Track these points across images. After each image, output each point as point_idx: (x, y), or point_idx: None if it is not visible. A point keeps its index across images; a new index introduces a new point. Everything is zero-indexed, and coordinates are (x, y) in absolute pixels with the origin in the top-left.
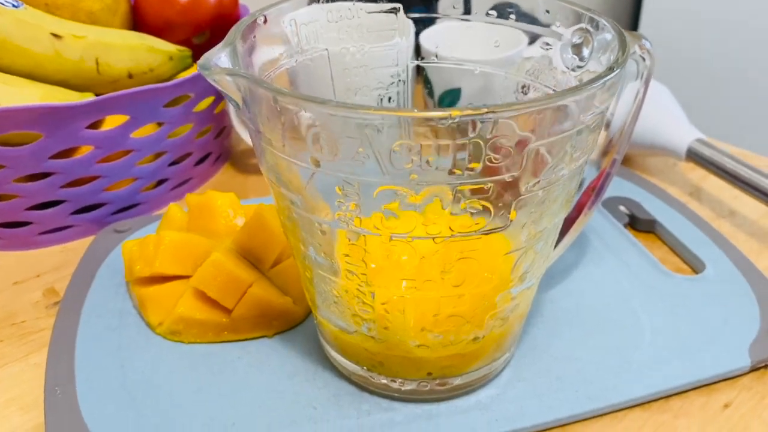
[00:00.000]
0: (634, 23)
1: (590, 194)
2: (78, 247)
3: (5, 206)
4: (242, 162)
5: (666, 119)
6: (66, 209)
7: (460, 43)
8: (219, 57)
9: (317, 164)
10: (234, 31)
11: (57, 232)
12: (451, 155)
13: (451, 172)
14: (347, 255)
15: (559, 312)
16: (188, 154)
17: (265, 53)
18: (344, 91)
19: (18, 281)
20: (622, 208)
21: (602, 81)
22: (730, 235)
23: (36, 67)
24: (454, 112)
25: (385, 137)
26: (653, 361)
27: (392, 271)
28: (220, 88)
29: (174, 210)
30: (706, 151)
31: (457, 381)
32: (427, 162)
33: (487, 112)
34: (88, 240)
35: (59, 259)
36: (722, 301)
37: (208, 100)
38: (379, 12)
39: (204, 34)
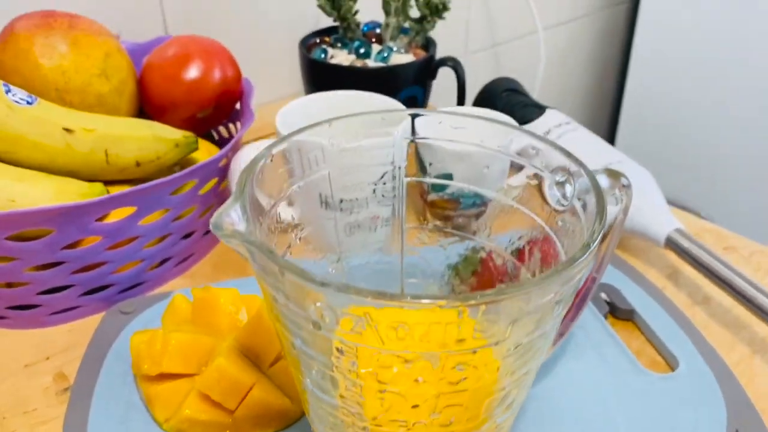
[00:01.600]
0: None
1: (571, 308)
2: (85, 326)
3: (17, 292)
4: None
5: (648, 207)
6: (74, 292)
7: (452, 133)
8: (229, 214)
9: (318, 328)
10: (243, 181)
11: (65, 313)
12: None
13: (442, 345)
14: (343, 397)
15: (542, 410)
16: (192, 233)
17: (272, 186)
18: (341, 189)
19: (29, 364)
20: (603, 295)
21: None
22: (704, 324)
23: (48, 160)
24: (440, 302)
25: (384, 316)
26: None
27: (386, 414)
28: (231, 246)
29: (179, 301)
30: (683, 243)
31: None
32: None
33: (475, 304)
34: (95, 318)
35: (68, 339)
36: (692, 403)
37: (212, 182)
38: (377, 134)
39: (207, 109)
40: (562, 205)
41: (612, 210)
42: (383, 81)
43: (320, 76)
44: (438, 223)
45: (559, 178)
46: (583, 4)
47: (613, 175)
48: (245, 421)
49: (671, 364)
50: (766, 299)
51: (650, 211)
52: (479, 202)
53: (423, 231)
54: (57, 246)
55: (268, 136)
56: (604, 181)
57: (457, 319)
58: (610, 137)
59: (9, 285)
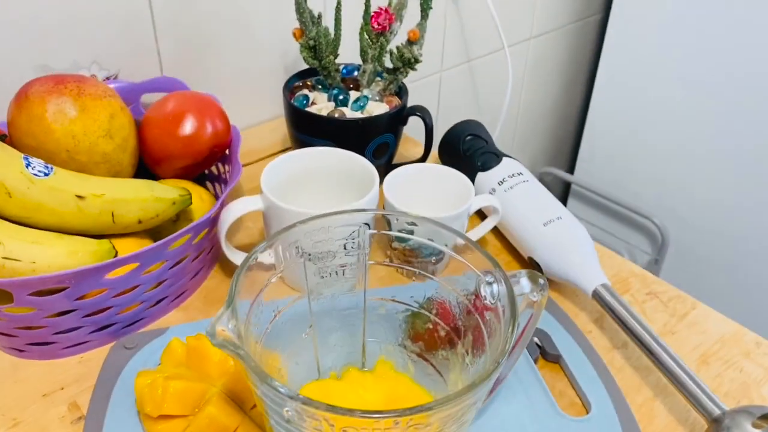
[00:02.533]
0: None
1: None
2: (94, 357)
3: (35, 333)
4: (229, 267)
5: (580, 262)
6: (84, 331)
7: (414, 191)
8: (222, 319)
9: (288, 422)
10: (233, 290)
11: (76, 347)
12: None
13: None
14: None
15: None
16: (185, 275)
17: (256, 280)
18: (312, 245)
19: (46, 393)
20: (536, 340)
21: (491, 381)
22: (620, 366)
23: (62, 222)
24: (382, 418)
25: (339, 420)
26: None
27: None
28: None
29: (175, 345)
30: (606, 297)
31: None
32: None
33: (409, 416)
34: (102, 350)
35: (79, 370)
36: None
37: (203, 233)
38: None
39: (200, 159)
40: (491, 302)
41: (527, 312)
42: (359, 130)
43: (301, 121)
44: (401, 265)
45: (489, 279)
46: (554, 18)
47: (532, 276)
48: None
49: (586, 406)
50: (664, 354)
51: (582, 266)
52: (436, 252)
53: (387, 272)
54: (71, 298)
55: (256, 162)
56: (524, 281)
57: (395, 425)
58: (576, 145)
59: (29, 328)
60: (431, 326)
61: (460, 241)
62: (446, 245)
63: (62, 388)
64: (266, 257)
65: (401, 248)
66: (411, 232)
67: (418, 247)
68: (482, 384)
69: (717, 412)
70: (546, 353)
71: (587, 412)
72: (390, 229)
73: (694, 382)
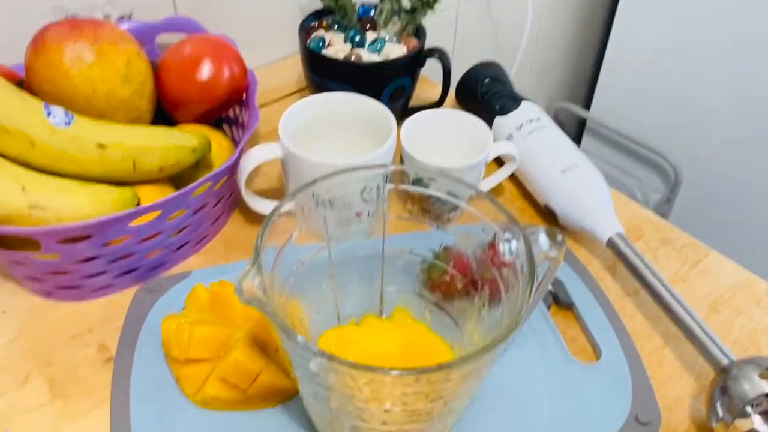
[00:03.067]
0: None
1: None
2: (119, 300)
3: (63, 278)
4: (248, 211)
5: (596, 209)
6: (109, 275)
7: (432, 138)
8: (248, 275)
9: (313, 375)
10: (258, 246)
11: (102, 290)
12: None
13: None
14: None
15: (487, 394)
16: (206, 221)
17: (279, 234)
18: (330, 195)
19: (75, 335)
20: (549, 287)
21: (508, 340)
22: (632, 314)
23: (85, 170)
24: (403, 376)
25: (361, 375)
26: None
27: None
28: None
29: (199, 290)
30: (620, 246)
31: None
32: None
33: (430, 372)
34: (127, 292)
35: (105, 312)
36: (607, 391)
37: (223, 180)
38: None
39: (217, 104)
40: (509, 259)
41: (545, 265)
42: (376, 74)
43: (317, 65)
44: (417, 214)
45: (507, 236)
46: None
47: (551, 233)
48: (256, 397)
49: (597, 353)
50: (675, 302)
51: (597, 215)
52: (452, 203)
53: (402, 220)
54: (96, 246)
55: (269, 103)
56: (542, 237)
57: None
58: (593, 81)
59: (56, 273)
60: (448, 278)
61: (479, 196)
62: (464, 199)
63: (90, 330)
64: (287, 210)
65: (418, 196)
66: (428, 186)
67: (435, 196)
68: (501, 343)
69: (725, 361)
70: (559, 300)
71: (598, 359)
72: (408, 182)
73: (703, 332)
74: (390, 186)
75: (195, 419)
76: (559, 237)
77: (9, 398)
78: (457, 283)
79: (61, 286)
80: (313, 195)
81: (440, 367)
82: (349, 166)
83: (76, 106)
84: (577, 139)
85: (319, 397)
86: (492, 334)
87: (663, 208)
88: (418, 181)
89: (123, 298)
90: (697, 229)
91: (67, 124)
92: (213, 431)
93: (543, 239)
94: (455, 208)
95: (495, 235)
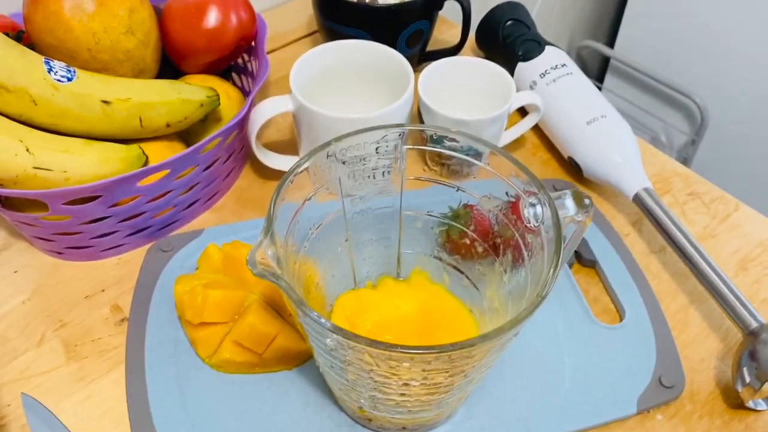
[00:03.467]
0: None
1: None
2: (131, 259)
3: (72, 238)
4: (260, 166)
5: (623, 163)
6: (120, 235)
7: (451, 88)
8: (261, 246)
9: (330, 350)
10: (271, 214)
11: (114, 249)
12: None
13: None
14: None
15: (507, 355)
16: (216, 177)
17: (293, 200)
18: (345, 153)
19: (88, 295)
20: None
21: (533, 314)
22: (657, 272)
23: (90, 128)
24: (424, 353)
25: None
26: (568, 405)
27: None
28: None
29: (212, 251)
30: (648, 202)
31: (426, 426)
32: None
33: (450, 351)
34: (139, 251)
35: (117, 272)
36: (629, 352)
37: (233, 135)
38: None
39: (226, 53)
40: (534, 225)
41: (570, 228)
42: (392, 18)
43: (330, 8)
44: (435, 169)
45: (532, 200)
46: None
47: (578, 197)
48: (271, 360)
49: (620, 313)
50: (702, 262)
51: (624, 169)
52: (473, 154)
53: (420, 181)
54: (104, 206)
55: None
56: (569, 202)
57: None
58: (617, 17)
59: (65, 233)
60: (468, 241)
61: (502, 157)
62: (485, 160)
63: (103, 290)
64: (300, 172)
65: (437, 153)
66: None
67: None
68: (526, 318)
69: (754, 324)
70: (582, 258)
71: (621, 319)
72: (426, 141)
73: (731, 293)
74: (407, 146)
75: (211, 382)
76: (587, 201)
77: (24, 360)
78: (477, 246)
79: (72, 246)
80: (327, 155)
81: (462, 345)
82: (364, 125)
83: (79, 59)
84: (599, 78)
85: (336, 368)
86: (514, 300)
87: (688, 151)
88: (436, 140)
89: (135, 257)
90: (723, 173)
91: (69, 80)
92: (229, 394)
93: (569, 203)
94: (475, 167)
95: (519, 199)
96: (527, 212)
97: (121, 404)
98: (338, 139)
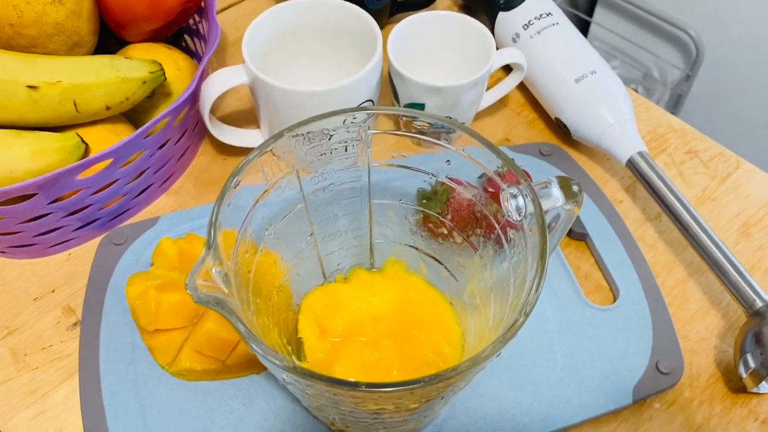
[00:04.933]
0: None
1: None
2: (83, 254)
3: (13, 237)
4: (219, 142)
5: (616, 126)
6: (67, 230)
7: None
8: (204, 263)
9: (286, 383)
10: (213, 228)
11: (62, 244)
12: None
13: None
14: None
15: None
16: (169, 159)
17: (242, 201)
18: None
19: (37, 297)
20: None
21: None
22: (652, 242)
23: (17, 117)
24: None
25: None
26: (558, 400)
27: None
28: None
29: (166, 246)
30: (642, 167)
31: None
32: None
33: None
34: (90, 244)
35: (68, 269)
36: (624, 336)
37: (184, 112)
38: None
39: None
40: (516, 219)
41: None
42: None
43: None
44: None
45: (513, 191)
46: None
47: (565, 184)
48: (235, 366)
49: (614, 291)
50: (700, 232)
51: (616, 131)
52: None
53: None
54: (43, 203)
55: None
56: (556, 191)
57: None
58: None
59: (3, 234)
60: (446, 231)
61: (478, 141)
62: (461, 146)
63: (53, 291)
64: (252, 165)
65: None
66: (422, 107)
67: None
68: (510, 338)
69: (759, 304)
70: (571, 231)
71: (615, 299)
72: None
73: (733, 267)
74: (372, 131)
75: (172, 390)
76: (575, 188)
77: None
78: (455, 237)
79: (13, 245)
80: (283, 142)
81: (437, 378)
82: (327, 98)
83: (2, 35)
84: (589, 12)
85: (299, 394)
86: (497, 296)
87: (682, 87)
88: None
89: (86, 251)
90: (718, 110)
91: None
92: (193, 403)
93: (556, 192)
94: (450, 131)
95: (498, 189)
96: (509, 204)
97: (77, 419)
98: (292, 128)
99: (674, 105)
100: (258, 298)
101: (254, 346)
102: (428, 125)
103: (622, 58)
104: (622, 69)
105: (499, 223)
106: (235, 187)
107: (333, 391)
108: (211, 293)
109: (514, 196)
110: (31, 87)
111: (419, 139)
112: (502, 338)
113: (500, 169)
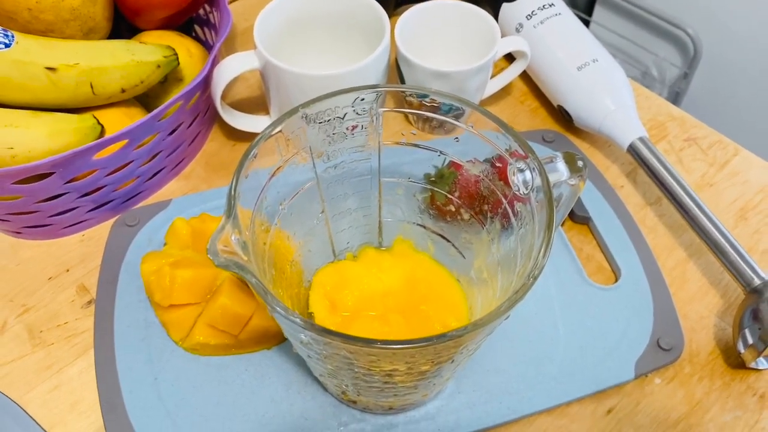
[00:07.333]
0: None
1: None
2: (96, 235)
3: (29, 217)
4: (229, 126)
5: (617, 112)
6: (81, 211)
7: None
8: (224, 230)
9: (304, 344)
10: (232, 196)
11: (76, 225)
12: None
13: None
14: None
15: None
16: (181, 143)
17: (261, 170)
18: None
19: (52, 276)
20: None
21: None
22: (653, 225)
23: (35, 98)
24: (407, 347)
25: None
26: (561, 375)
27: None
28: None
29: (179, 226)
30: (643, 152)
31: (413, 405)
32: None
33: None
34: (103, 226)
35: (82, 249)
36: (626, 314)
37: (195, 96)
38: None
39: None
40: (523, 193)
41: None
42: None
43: None
44: (418, 125)
45: (520, 165)
46: None
47: (571, 159)
48: (248, 341)
49: (615, 272)
50: (700, 214)
51: (617, 117)
52: (456, 108)
53: (401, 126)
54: (60, 182)
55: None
56: (561, 165)
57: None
58: None
59: (20, 213)
60: (453, 208)
61: (486, 117)
62: (469, 122)
63: (68, 270)
64: (266, 142)
65: (418, 102)
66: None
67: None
68: (517, 302)
69: (756, 281)
70: (574, 215)
71: (616, 279)
72: (404, 104)
73: (732, 247)
74: (383, 108)
75: (185, 365)
76: (580, 163)
77: None
78: (463, 213)
79: (30, 225)
80: (297, 120)
81: (449, 336)
82: (337, 81)
83: (20, 20)
84: (588, 11)
85: (314, 359)
86: (503, 270)
87: (680, 85)
88: (420, 95)
89: (100, 233)
90: (716, 107)
91: (7, 45)
92: (205, 377)
93: (562, 167)
94: (459, 114)
95: (506, 164)
96: (516, 178)
97: (92, 393)
98: (305, 105)
99: (672, 102)
100: (273, 269)
101: (276, 307)
102: (438, 104)
103: (620, 56)
104: (621, 67)
105: (506, 198)
106: (253, 158)
107: (349, 348)
108: (231, 258)
109: (521, 170)
110: (49, 68)
111: (429, 117)
112: (513, 298)
113: (509, 148)
